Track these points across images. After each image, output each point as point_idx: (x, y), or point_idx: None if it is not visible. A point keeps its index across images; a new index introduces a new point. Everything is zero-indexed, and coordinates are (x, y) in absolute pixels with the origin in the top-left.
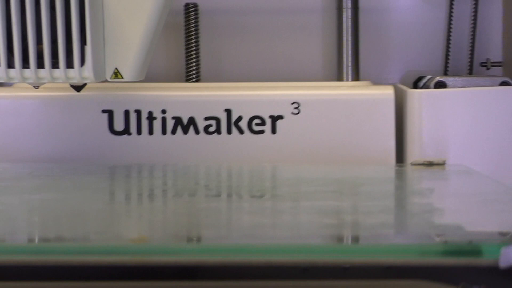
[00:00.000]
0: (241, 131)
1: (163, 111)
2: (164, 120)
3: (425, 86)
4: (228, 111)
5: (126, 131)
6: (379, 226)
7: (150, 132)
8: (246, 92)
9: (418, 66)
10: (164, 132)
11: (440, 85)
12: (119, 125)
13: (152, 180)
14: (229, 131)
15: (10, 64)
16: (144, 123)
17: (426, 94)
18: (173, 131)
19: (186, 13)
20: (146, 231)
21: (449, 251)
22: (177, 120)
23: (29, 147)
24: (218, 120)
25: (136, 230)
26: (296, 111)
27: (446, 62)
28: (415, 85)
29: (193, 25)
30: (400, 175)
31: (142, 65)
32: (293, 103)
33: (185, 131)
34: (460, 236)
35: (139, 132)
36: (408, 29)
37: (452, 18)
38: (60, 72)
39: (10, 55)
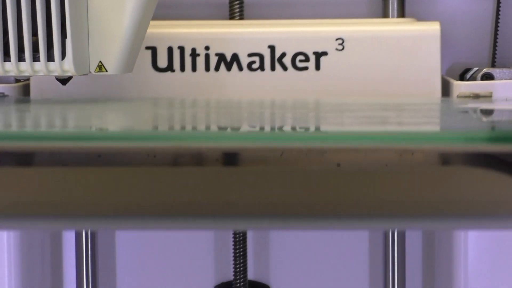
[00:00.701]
0: (284, 68)
1: (207, 48)
2: (207, 56)
3: (472, 78)
4: (272, 48)
5: (170, 68)
6: (425, 124)
7: (193, 69)
8: (290, 29)
9: (464, 58)
10: (207, 68)
11: (487, 77)
12: (162, 62)
13: (196, 107)
14: (273, 68)
15: None
16: (187, 60)
17: (472, 86)
18: (216, 68)
19: None
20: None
21: (495, 137)
22: (220, 57)
23: (75, 85)
24: (261, 57)
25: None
26: (340, 47)
27: (494, 54)
28: (462, 77)
29: None
30: (445, 101)
31: (128, 58)
32: (337, 39)
33: (228, 67)
34: (507, 124)
35: (182, 69)
36: (454, 20)
37: (500, 8)
38: (40, 65)
39: None
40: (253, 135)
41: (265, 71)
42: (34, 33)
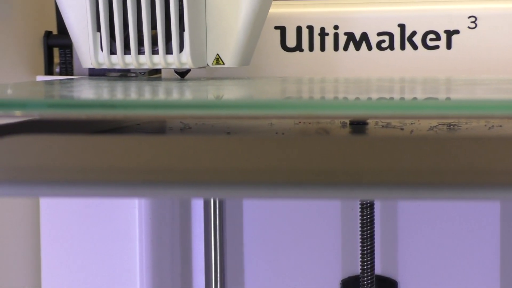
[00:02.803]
0: (414, 47)
1: (335, 27)
2: (336, 36)
3: None
4: (402, 26)
5: (298, 47)
6: None
7: (322, 48)
8: (420, 7)
9: None
10: (336, 48)
11: None
12: (291, 42)
13: (324, 83)
14: (402, 47)
15: (112, 51)
16: (316, 39)
17: None
18: (345, 47)
19: None
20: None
21: None
22: (350, 36)
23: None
24: (391, 36)
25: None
26: (473, 25)
27: None
28: None
29: None
30: None
31: (245, 50)
32: (469, 17)
33: (357, 47)
34: None
35: (311, 48)
36: None
37: None
38: (159, 58)
39: (113, 42)
40: (384, 103)
41: (394, 50)
42: (153, 26)
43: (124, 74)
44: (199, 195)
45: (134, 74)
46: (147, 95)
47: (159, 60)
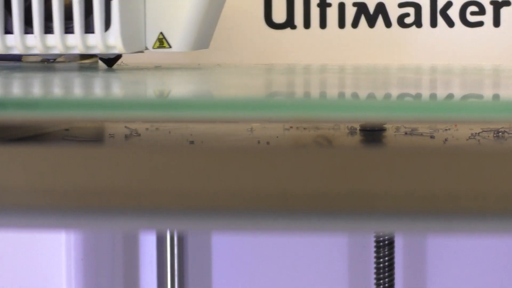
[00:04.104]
0: (450, 23)
1: None
2: (342, 7)
3: None
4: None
5: (289, 23)
6: None
7: (322, 24)
8: None
9: None
10: (341, 24)
11: None
12: (279, 15)
13: (325, 74)
14: (433, 23)
15: (8, 29)
16: (314, 12)
17: None
18: (354, 23)
19: None
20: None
21: None
22: (360, 8)
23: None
24: (417, 8)
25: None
26: None
27: None
28: None
29: None
30: None
31: (200, 29)
32: None
33: (371, 23)
34: None
35: (306, 24)
36: None
37: None
38: (75, 38)
39: (8, 17)
40: (408, 102)
41: (422, 27)
42: None
43: (47, 60)
44: (150, 227)
45: (62, 60)
46: (78, 90)
47: (75, 42)
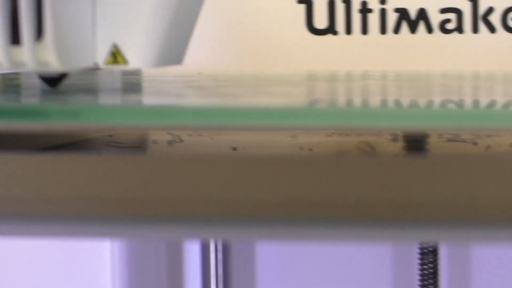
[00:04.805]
0: (491, 29)
1: (382, 1)
2: (383, 13)
3: None
4: (474, 0)
5: (330, 29)
6: None
7: (364, 30)
8: None
9: None
10: (383, 30)
11: None
12: (320, 21)
13: (367, 81)
14: (475, 29)
15: None
16: (356, 18)
17: None
18: (396, 29)
19: None
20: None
21: None
22: (402, 13)
23: (203, 51)
24: (459, 13)
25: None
26: None
27: None
28: None
29: None
30: None
31: (167, 39)
32: None
33: (413, 28)
34: None
35: (348, 30)
36: None
37: None
38: None
39: None
40: (451, 111)
41: (464, 33)
42: None
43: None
44: (194, 236)
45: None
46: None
47: None
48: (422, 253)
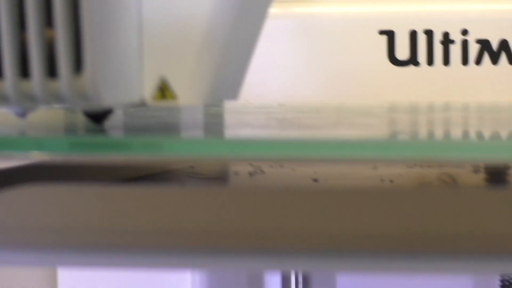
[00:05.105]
0: None
1: (464, 32)
2: (465, 44)
3: None
4: None
5: (412, 60)
6: None
7: (446, 61)
8: None
9: None
10: (465, 61)
11: None
12: (402, 52)
13: (448, 112)
14: None
15: None
16: (437, 49)
17: None
18: (478, 60)
19: None
20: None
21: None
22: (484, 45)
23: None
24: None
25: None
26: None
27: None
28: None
29: None
30: None
31: (221, 74)
32: None
33: (494, 59)
34: None
35: (429, 61)
36: None
37: None
38: (32, 84)
39: None
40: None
41: None
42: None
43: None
44: (275, 267)
45: None
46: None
47: (30, 88)
48: (503, 286)
